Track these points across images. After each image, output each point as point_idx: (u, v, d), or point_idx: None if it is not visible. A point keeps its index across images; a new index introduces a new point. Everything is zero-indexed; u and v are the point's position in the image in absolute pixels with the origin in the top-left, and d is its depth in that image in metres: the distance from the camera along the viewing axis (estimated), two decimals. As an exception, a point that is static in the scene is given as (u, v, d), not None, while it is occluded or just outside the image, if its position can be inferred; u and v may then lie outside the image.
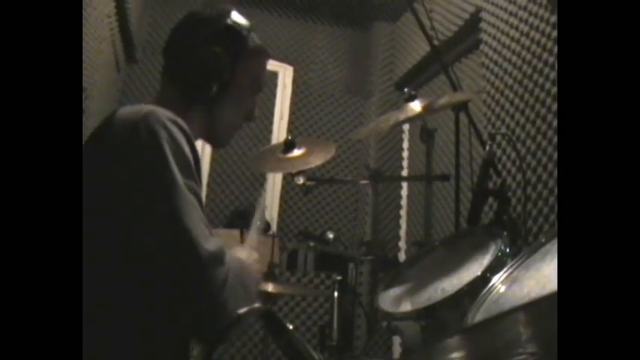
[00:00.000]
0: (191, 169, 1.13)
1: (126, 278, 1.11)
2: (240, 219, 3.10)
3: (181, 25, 1.36)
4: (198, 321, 1.08)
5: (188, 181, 1.10)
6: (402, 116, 2.14)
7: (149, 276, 1.08)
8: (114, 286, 1.11)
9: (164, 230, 1.07)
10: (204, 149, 3.80)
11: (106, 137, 1.16)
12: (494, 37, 2.79)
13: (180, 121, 1.17)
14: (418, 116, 2.22)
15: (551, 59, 2.33)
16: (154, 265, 1.07)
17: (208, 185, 3.79)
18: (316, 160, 2.41)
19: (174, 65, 1.34)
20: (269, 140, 3.94)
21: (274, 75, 4.11)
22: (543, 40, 2.39)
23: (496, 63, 2.74)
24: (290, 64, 4.16)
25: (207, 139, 1.40)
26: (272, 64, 4.10)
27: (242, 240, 2.62)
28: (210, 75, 1.30)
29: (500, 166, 2.47)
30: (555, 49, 2.31)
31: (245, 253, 1.28)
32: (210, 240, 1.08)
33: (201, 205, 1.13)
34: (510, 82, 2.60)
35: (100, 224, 1.10)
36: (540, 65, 2.39)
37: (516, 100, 2.53)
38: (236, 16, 1.36)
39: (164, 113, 1.16)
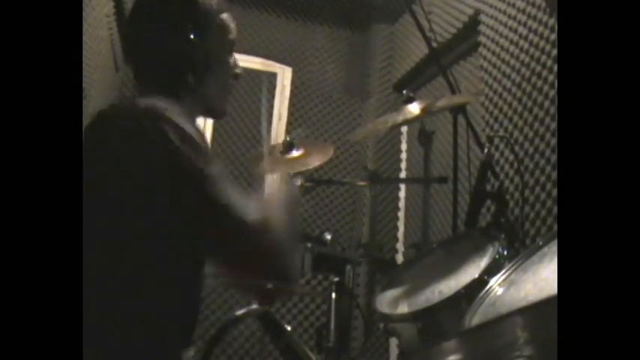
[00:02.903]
0: (204, 152, 1.14)
1: (124, 278, 1.11)
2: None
3: (137, 20, 1.34)
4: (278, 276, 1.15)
5: (206, 167, 1.12)
6: (400, 118, 2.15)
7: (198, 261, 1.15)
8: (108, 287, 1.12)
9: (215, 224, 1.11)
10: (203, 150, 3.80)
11: (104, 135, 1.17)
12: (492, 40, 2.79)
13: (180, 110, 1.19)
14: (416, 118, 2.22)
15: (550, 62, 2.33)
16: (218, 256, 1.15)
17: (206, 186, 3.79)
18: (314, 162, 2.41)
19: (150, 63, 1.32)
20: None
21: (273, 76, 4.11)
22: (542, 43, 2.39)
23: (494, 66, 2.74)
24: (288, 65, 4.16)
25: (207, 114, 1.45)
26: (270, 65, 4.10)
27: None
28: (192, 64, 1.30)
29: (498, 169, 2.47)
30: (554, 52, 2.31)
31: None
32: (251, 210, 1.12)
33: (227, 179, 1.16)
34: (509, 84, 2.60)
35: (106, 219, 1.11)
36: (539, 68, 2.39)
37: (514, 103, 2.54)
38: None
39: (163, 106, 1.17)
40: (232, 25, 1.41)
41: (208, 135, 3.85)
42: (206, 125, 3.84)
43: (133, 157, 1.12)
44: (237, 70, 1.42)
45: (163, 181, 1.11)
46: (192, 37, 1.28)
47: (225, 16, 1.38)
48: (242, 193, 1.15)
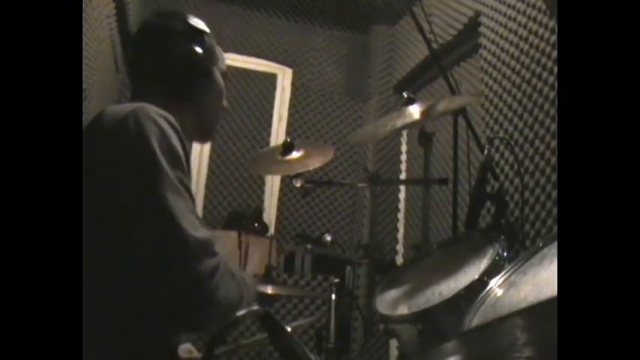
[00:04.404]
0: (180, 161, 1.15)
1: (113, 270, 1.13)
2: (237, 221, 3.10)
3: (146, 34, 1.42)
4: (187, 310, 1.10)
5: (176, 173, 1.12)
6: (400, 122, 2.14)
7: (138, 266, 1.10)
8: (102, 278, 1.12)
9: (151, 220, 1.09)
10: (202, 151, 3.80)
11: (95, 133, 1.18)
12: (493, 42, 2.79)
13: (169, 116, 1.20)
14: (417, 122, 2.21)
15: (550, 64, 2.33)
16: (143, 255, 1.09)
17: (206, 187, 3.79)
18: (314, 163, 2.41)
19: (157, 71, 1.37)
20: (267, 142, 3.94)
21: (273, 77, 4.12)
22: (542, 44, 2.40)
23: (495, 67, 2.74)
24: (289, 66, 4.16)
25: (199, 133, 1.45)
26: (271, 66, 4.11)
27: (239, 242, 2.62)
28: (196, 73, 1.37)
29: (498, 170, 2.47)
30: (554, 53, 2.31)
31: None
32: (199, 230, 1.10)
33: (191, 198, 1.15)
34: (509, 86, 2.61)
35: (90, 218, 1.11)
36: (539, 70, 2.40)
37: (515, 105, 2.54)
38: (191, 18, 1.43)
39: (153, 109, 1.19)
40: (224, 59, 1.50)
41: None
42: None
43: (111, 149, 1.14)
44: (225, 103, 1.49)
45: (126, 175, 1.12)
46: (191, 53, 1.37)
47: (218, 48, 1.47)
48: (197, 215, 1.14)
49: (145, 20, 1.44)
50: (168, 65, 1.35)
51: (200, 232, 1.10)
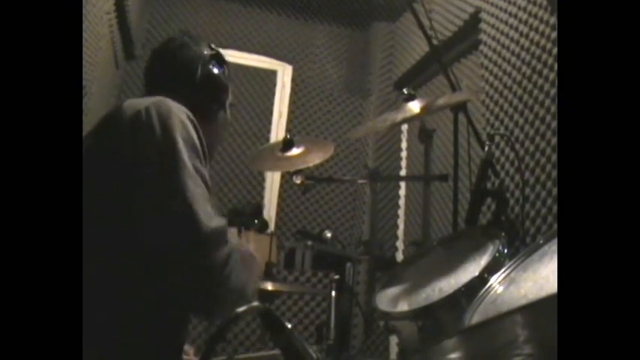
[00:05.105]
0: (198, 151, 1.19)
1: (125, 258, 1.14)
2: (238, 217, 3.10)
3: (175, 50, 1.47)
4: (200, 296, 1.12)
5: (195, 162, 1.16)
6: (400, 116, 2.14)
7: (151, 253, 1.11)
8: (113, 266, 1.13)
9: (169, 204, 1.10)
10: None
11: (116, 121, 1.22)
12: (493, 38, 2.79)
13: (189, 112, 1.25)
14: (417, 117, 2.22)
15: (551, 60, 2.33)
16: (157, 241, 1.10)
17: (206, 184, 3.79)
18: (315, 159, 2.41)
19: (181, 86, 1.43)
20: (267, 139, 3.94)
21: (273, 73, 4.11)
22: (543, 41, 2.39)
23: (495, 64, 2.74)
24: (289, 62, 4.16)
25: None
26: (271, 63, 4.10)
27: (239, 238, 2.62)
28: (218, 96, 1.48)
29: (498, 167, 2.47)
30: (554, 50, 2.31)
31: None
32: (214, 218, 1.12)
33: (207, 187, 1.18)
34: (509, 82, 2.60)
35: (107, 205, 1.14)
36: (539, 66, 2.39)
37: (515, 101, 2.54)
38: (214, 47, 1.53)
39: (174, 104, 1.24)
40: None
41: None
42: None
43: (133, 136, 1.17)
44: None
45: (147, 161, 1.15)
46: (216, 76, 1.47)
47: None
48: (214, 203, 1.16)
49: (173, 38, 1.51)
50: (194, 83, 1.43)
51: (214, 221, 1.11)
